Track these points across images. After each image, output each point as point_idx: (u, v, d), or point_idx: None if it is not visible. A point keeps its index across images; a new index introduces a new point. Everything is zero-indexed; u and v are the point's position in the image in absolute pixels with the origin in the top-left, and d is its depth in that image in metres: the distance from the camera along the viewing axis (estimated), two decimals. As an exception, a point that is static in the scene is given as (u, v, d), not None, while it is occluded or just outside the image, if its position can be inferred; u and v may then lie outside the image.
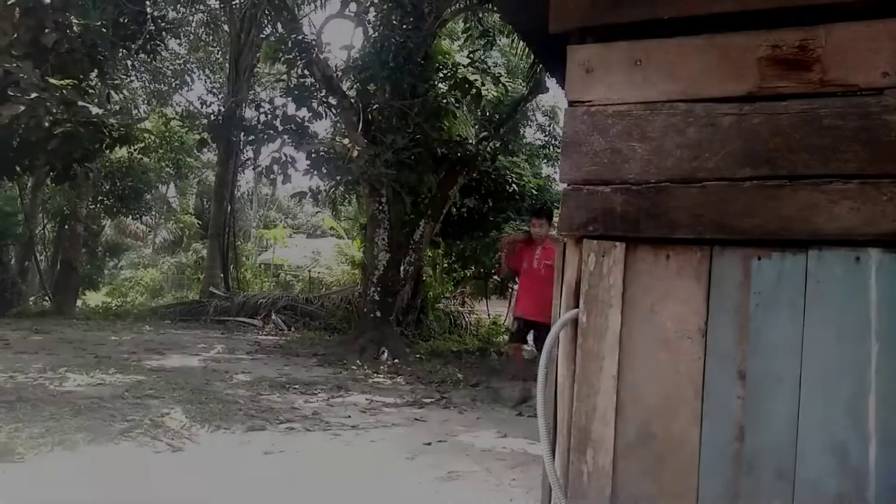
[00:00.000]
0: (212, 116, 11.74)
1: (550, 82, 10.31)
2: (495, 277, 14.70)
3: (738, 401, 1.71)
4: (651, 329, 1.80)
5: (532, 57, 9.44)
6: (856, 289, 1.63)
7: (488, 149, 11.05)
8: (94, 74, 10.38)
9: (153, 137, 18.33)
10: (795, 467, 1.65)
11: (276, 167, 10.65)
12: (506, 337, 15.18)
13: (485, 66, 10.80)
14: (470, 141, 11.23)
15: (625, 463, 1.80)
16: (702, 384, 1.74)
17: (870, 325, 1.61)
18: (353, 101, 9.98)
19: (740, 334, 1.72)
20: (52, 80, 8.27)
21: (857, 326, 1.62)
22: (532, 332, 6.44)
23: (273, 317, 13.56)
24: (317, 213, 27.89)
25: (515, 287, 7.46)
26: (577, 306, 1.86)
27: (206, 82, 21.68)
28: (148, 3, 10.90)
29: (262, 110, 10.79)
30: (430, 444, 4.50)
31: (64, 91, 8.28)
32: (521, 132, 15.77)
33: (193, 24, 18.77)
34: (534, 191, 13.28)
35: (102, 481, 3.24)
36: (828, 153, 1.68)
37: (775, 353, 1.69)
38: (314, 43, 10.03)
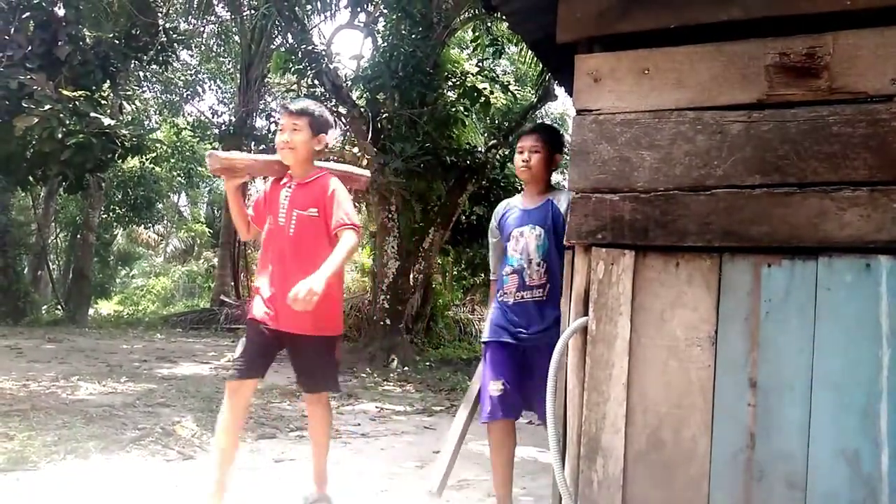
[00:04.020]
0: (223, 126, 11.86)
1: (559, 90, 10.34)
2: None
3: (749, 408, 1.71)
4: (661, 337, 1.80)
5: (540, 65, 9.46)
6: (866, 296, 1.62)
7: (497, 156, 11.06)
8: (106, 86, 10.50)
9: (165, 147, 18.50)
10: (807, 475, 1.65)
11: (286, 176, 10.69)
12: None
13: (494, 74, 10.84)
14: (479, 149, 11.25)
15: (635, 471, 1.79)
16: (712, 392, 1.74)
17: (881, 332, 1.61)
18: (362, 110, 10.04)
19: (751, 342, 1.72)
20: (66, 92, 8.37)
21: (868, 333, 1.62)
22: (284, 357, 3.01)
23: (283, 325, 13.57)
24: (326, 221, 27.93)
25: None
26: (586, 314, 1.86)
27: (217, 93, 21.86)
28: (160, 14, 11.02)
29: (272, 119, 10.87)
30: (439, 452, 4.49)
31: (77, 102, 8.38)
32: (531, 140, 15.76)
33: (205, 36, 18.92)
34: (543, 198, 13.24)
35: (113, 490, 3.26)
36: (837, 160, 1.68)
37: (786, 360, 1.69)
38: (324, 53, 10.10)
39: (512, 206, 3.03)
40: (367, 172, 3.36)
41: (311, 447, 3.21)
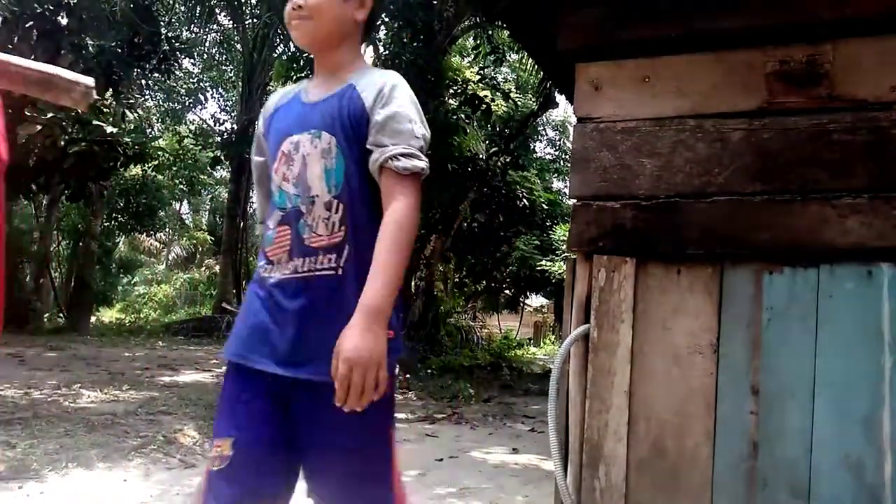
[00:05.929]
0: (225, 134, 11.90)
1: (560, 97, 10.37)
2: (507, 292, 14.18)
3: (751, 416, 1.70)
4: (663, 344, 1.79)
5: (542, 73, 9.48)
6: (868, 303, 1.62)
7: (499, 164, 11.10)
8: (109, 94, 10.54)
9: (167, 155, 18.56)
10: (810, 484, 1.64)
11: (287, 184, 10.71)
12: (517, 351, 15.03)
13: (495, 82, 10.90)
14: (480, 156, 11.28)
15: (637, 479, 1.79)
16: (714, 399, 1.74)
17: (883, 339, 1.60)
18: (364, 118, 10.07)
19: (753, 349, 1.72)
20: (69, 100, 8.41)
21: (870, 341, 1.61)
22: None
23: (285, 332, 13.58)
24: (328, 228, 27.98)
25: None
26: (587, 321, 1.86)
27: (219, 101, 21.99)
28: (162, 23, 11.09)
29: (274, 128, 10.90)
30: (441, 459, 4.48)
31: (79, 111, 8.41)
32: (532, 147, 15.84)
33: (207, 44, 19.01)
34: (544, 205, 13.30)
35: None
36: (838, 168, 1.68)
37: (788, 368, 1.68)
38: (325, 61, 10.14)
39: (291, 97, 1.63)
40: (90, 81, 1.44)
41: None
